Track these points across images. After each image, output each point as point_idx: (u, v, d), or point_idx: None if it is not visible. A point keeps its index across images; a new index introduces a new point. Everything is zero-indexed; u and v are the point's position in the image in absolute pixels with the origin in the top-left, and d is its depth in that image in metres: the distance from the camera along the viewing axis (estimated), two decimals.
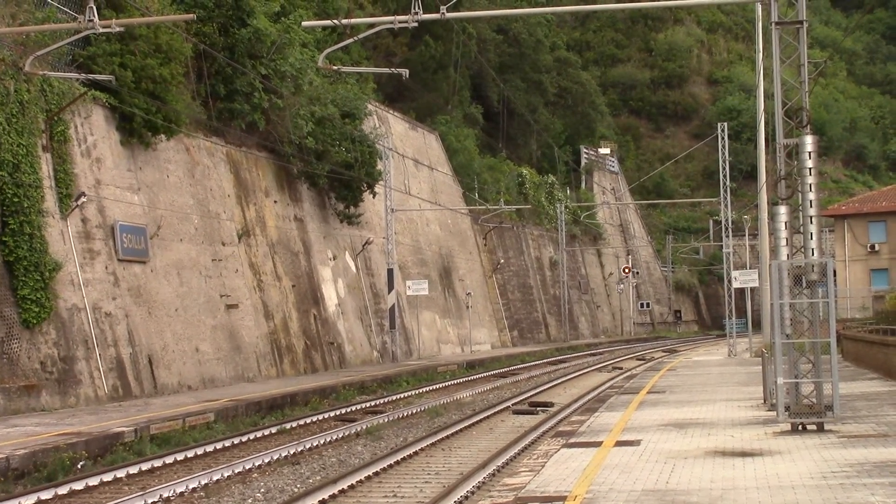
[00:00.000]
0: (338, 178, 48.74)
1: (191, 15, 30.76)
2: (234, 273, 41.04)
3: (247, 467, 21.09)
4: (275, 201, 46.39)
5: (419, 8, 22.44)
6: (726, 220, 58.05)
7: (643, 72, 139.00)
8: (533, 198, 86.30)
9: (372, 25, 27.36)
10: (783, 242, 20.92)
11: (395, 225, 56.06)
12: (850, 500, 12.74)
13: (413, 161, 64.86)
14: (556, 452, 18.08)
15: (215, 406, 29.17)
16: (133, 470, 20.86)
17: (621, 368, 53.15)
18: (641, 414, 24.29)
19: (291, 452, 23.08)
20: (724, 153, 56.65)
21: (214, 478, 19.78)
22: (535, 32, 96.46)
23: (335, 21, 30.66)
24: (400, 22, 23.23)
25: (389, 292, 54.67)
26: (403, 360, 54.65)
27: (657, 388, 32.65)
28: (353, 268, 54.02)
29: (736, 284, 52.94)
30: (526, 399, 35.68)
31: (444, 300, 66.73)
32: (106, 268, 33.38)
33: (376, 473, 20.08)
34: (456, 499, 16.79)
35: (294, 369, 43.96)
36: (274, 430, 27.21)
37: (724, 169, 56.71)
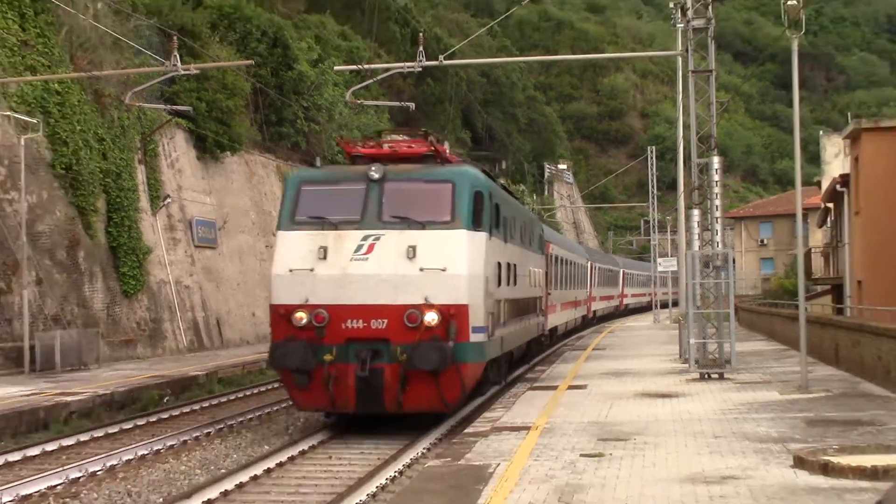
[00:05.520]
0: None
1: (250, 61, 30.72)
2: None
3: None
4: None
5: (423, 57, 22.46)
6: (653, 219, 58.18)
7: (592, 107, 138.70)
8: None
9: (387, 69, 27.29)
10: (695, 237, 21.03)
11: None
12: (743, 430, 12.84)
13: None
14: (523, 394, 18.13)
15: (266, 356, 29.18)
16: (205, 404, 20.96)
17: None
18: (588, 365, 24.35)
19: None
20: (652, 169, 56.69)
21: (266, 410, 19.86)
22: (510, 76, 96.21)
23: (359, 66, 30.60)
24: (408, 67, 23.23)
25: None
26: None
27: (600, 346, 32.72)
28: None
29: (660, 269, 52.99)
30: None
31: None
32: (185, 252, 33.42)
33: None
34: (449, 427, 16.83)
35: None
36: None
37: (652, 181, 56.74)
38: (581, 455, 11.19)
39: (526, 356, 25.61)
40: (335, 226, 15.14)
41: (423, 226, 15.01)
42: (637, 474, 10.04)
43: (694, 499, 8.84)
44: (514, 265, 19.62)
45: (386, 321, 14.67)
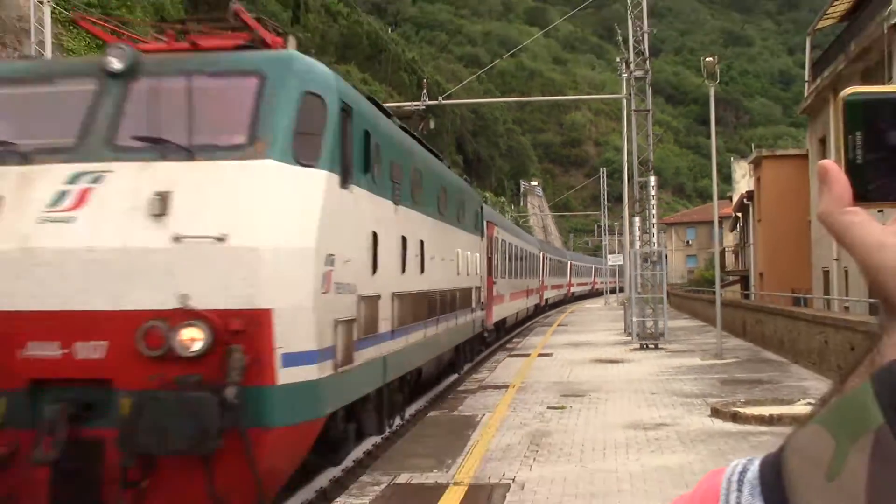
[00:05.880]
0: None
1: None
2: None
3: None
4: None
5: (426, 98, 22.46)
6: (604, 225, 58.29)
7: (557, 137, 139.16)
8: None
9: (398, 108, 27.27)
10: (637, 238, 21.03)
11: None
12: (672, 387, 12.86)
13: None
14: (503, 360, 18.14)
15: None
16: None
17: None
18: (554, 338, 24.37)
19: None
20: (603, 186, 56.89)
21: None
22: (494, 113, 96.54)
23: None
24: (415, 105, 23.23)
25: None
26: None
27: (563, 322, 32.77)
28: None
29: (609, 263, 52.92)
30: None
31: None
32: None
33: None
34: (445, 385, 16.73)
35: None
36: None
37: (603, 195, 56.92)
38: (548, 407, 11.18)
39: (456, 363, 15.49)
40: (24, 157, 6.12)
41: (190, 154, 6.02)
42: (591, 422, 10.03)
43: (635, 440, 8.83)
44: (421, 241, 10.43)
45: (105, 344, 5.70)
